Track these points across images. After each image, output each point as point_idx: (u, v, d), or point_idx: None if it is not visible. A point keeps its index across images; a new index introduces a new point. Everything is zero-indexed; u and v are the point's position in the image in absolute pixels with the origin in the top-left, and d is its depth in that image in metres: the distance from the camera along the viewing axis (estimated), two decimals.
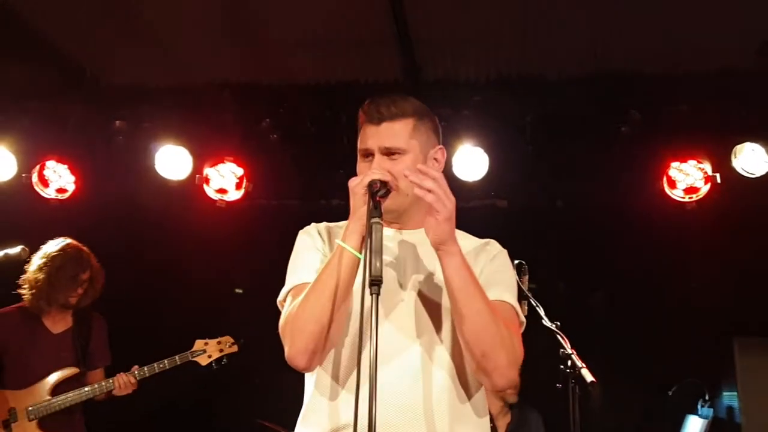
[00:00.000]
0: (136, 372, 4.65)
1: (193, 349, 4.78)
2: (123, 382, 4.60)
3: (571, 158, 5.44)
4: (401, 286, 2.39)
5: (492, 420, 4.99)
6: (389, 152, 2.38)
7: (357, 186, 2.25)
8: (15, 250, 4.75)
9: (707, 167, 5.24)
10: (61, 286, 4.71)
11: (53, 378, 4.63)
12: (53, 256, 4.73)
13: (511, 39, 5.08)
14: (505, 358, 2.26)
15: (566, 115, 5.35)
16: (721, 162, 5.22)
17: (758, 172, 5.13)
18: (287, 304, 2.38)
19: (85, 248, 4.87)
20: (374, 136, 2.40)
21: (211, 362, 4.78)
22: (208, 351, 4.79)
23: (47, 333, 4.76)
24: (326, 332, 2.22)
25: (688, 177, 5.28)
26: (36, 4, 4.87)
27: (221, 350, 4.81)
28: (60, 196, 5.67)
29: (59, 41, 5.28)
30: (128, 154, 5.62)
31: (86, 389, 4.62)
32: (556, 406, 3.44)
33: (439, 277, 2.37)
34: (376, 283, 2.02)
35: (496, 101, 5.38)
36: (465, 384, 2.36)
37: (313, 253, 2.46)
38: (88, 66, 5.57)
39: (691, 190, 5.27)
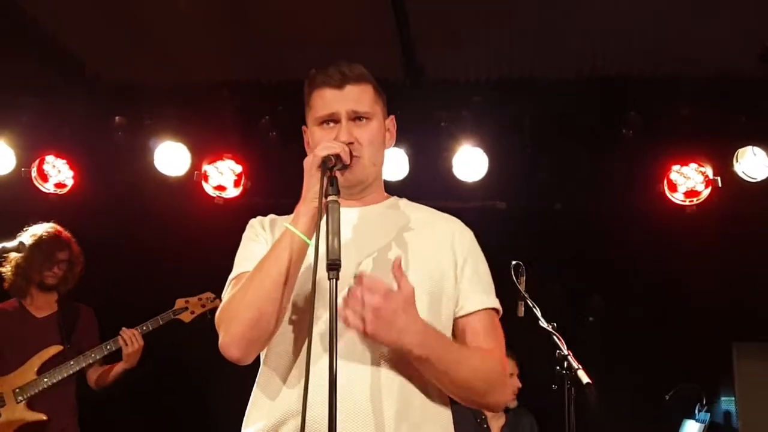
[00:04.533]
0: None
1: (174, 308, 4.71)
2: (129, 335, 4.58)
3: (571, 160, 5.42)
4: (357, 269, 2.16)
5: (485, 421, 5.02)
6: (356, 116, 2.24)
7: (310, 167, 2.04)
8: (13, 243, 4.77)
9: (708, 171, 5.23)
10: (37, 262, 4.73)
11: (38, 357, 4.60)
12: (32, 235, 4.77)
13: (512, 40, 5.07)
14: (501, 394, 2.23)
15: (566, 117, 5.33)
16: (722, 166, 5.21)
17: (759, 177, 5.12)
18: (225, 293, 2.23)
19: (65, 231, 4.90)
20: (340, 99, 2.23)
21: (194, 318, 4.71)
22: (190, 307, 4.72)
23: (31, 318, 4.77)
24: (266, 321, 2.04)
25: (688, 180, 5.26)
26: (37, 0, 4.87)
27: (203, 305, 4.74)
28: (59, 191, 5.68)
29: (59, 37, 5.27)
30: (127, 150, 5.61)
31: (71, 362, 4.57)
32: (552, 408, 3.43)
33: (408, 257, 2.20)
34: (334, 266, 1.85)
35: (496, 102, 5.36)
36: (422, 379, 2.12)
37: (254, 245, 2.29)
38: (88, 62, 5.56)
39: (691, 193, 5.26)
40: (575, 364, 3.29)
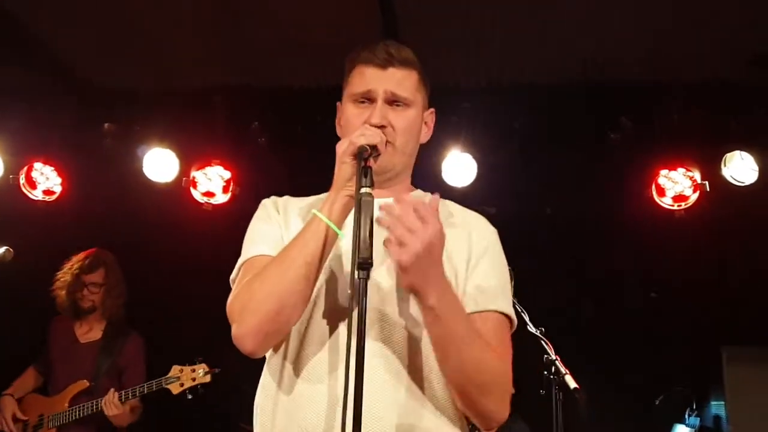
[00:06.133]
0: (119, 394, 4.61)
1: (168, 375, 4.62)
2: (108, 400, 4.54)
3: (561, 165, 5.42)
4: (386, 267, 2.01)
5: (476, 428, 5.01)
6: (394, 100, 2.10)
7: (344, 153, 1.92)
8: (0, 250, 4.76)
9: (696, 175, 5.24)
10: (66, 285, 4.89)
11: (69, 391, 4.73)
12: (73, 259, 4.99)
13: (501, 45, 5.07)
14: (501, 401, 2.00)
15: (555, 122, 5.34)
16: (710, 170, 5.22)
17: (747, 181, 5.13)
18: (239, 278, 2.04)
19: (104, 255, 5.03)
20: (380, 79, 2.10)
21: (183, 391, 4.58)
22: (181, 379, 4.59)
23: (75, 342, 4.91)
24: (287, 314, 1.90)
25: (677, 185, 5.27)
26: (27, 5, 4.85)
27: (194, 379, 4.59)
28: (47, 198, 5.65)
29: (49, 43, 5.25)
30: (116, 156, 5.60)
31: (87, 403, 4.63)
32: (540, 413, 3.43)
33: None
34: (365, 266, 1.71)
35: (485, 107, 5.37)
36: (436, 398, 2.01)
37: (267, 226, 2.13)
38: (77, 68, 5.54)
39: (679, 198, 5.26)
40: (563, 369, 3.30)
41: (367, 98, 2.11)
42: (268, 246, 2.05)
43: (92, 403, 4.62)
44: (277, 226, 2.14)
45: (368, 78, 2.11)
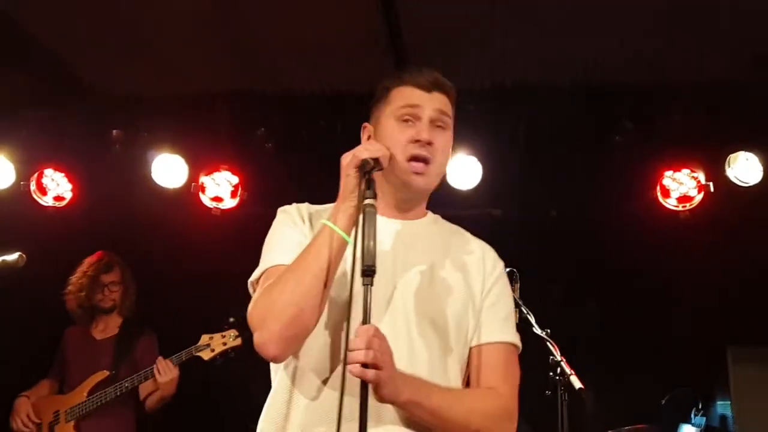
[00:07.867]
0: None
1: (197, 344, 4.69)
2: (163, 366, 4.61)
3: (565, 167, 5.45)
4: (394, 279, 2.16)
5: None
6: (438, 121, 2.23)
7: (348, 166, 2.04)
8: (12, 257, 4.79)
9: (701, 176, 5.26)
10: (85, 288, 4.99)
11: (89, 382, 4.79)
12: (85, 263, 5.09)
13: (505, 48, 5.10)
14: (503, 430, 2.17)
15: (560, 124, 5.35)
16: (715, 171, 5.24)
17: (752, 181, 5.15)
18: (259, 286, 2.15)
19: (114, 256, 5.17)
20: (425, 99, 2.22)
21: (214, 356, 4.65)
22: (211, 345, 4.67)
23: (92, 340, 5.01)
24: (306, 318, 2.01)
25: (681, 186, 5.29)
26: (34, 13, 4.90)
27: (224, 344, 4.67)
28: (57, 204, 5.71)
29: (57, 50, 5.30)
30: (125, 162, 5.66)
31: (110, 388, 4.69)
32: (546, 414, 3.45)
33: (443, 277, 2.20)
34: (369, 272, 1.85)
35: (489, 110, 5.39)
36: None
37: (292, 234, 2.21)
38: (85, 75, 5.59)
39: (684, 199, 5.29)
40: (568, 370, 3.31)
41: (413, 115, 2.21)
42: (288, 255, 2.12)
43: (115, 387, 4.68)
44: (300, 233, 2.21)
45: (415, 97, 2.22)
